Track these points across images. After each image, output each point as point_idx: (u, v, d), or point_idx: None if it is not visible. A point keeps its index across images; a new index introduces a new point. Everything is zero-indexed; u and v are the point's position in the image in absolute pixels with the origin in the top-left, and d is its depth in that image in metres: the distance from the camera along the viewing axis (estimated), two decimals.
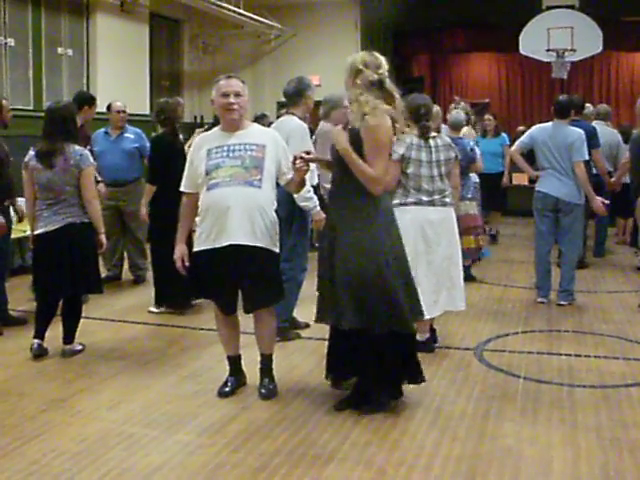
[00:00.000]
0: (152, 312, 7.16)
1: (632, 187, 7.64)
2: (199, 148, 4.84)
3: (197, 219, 4.84)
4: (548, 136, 7.41)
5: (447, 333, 6.34)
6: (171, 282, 6.80)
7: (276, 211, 5.92)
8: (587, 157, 7.50)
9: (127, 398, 4.96)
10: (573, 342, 6.28)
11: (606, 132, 9.52)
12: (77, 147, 5.67)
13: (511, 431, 4.40)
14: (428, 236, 5.61)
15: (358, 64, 4.47)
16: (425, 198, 5.60)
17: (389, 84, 4.49)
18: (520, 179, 13.60)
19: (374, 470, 3.90)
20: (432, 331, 5.98)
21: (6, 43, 10.09)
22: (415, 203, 5.58)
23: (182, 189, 4.94)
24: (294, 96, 6.07)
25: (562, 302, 7.48)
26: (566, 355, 5.87)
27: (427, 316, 5.63)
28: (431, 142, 5.64)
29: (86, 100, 7.54)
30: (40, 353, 5.74)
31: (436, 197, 5.63)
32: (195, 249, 4.82)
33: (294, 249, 6.03)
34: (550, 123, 7.61)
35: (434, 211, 5.63)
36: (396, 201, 5.54)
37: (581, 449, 4.15)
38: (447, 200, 5.71)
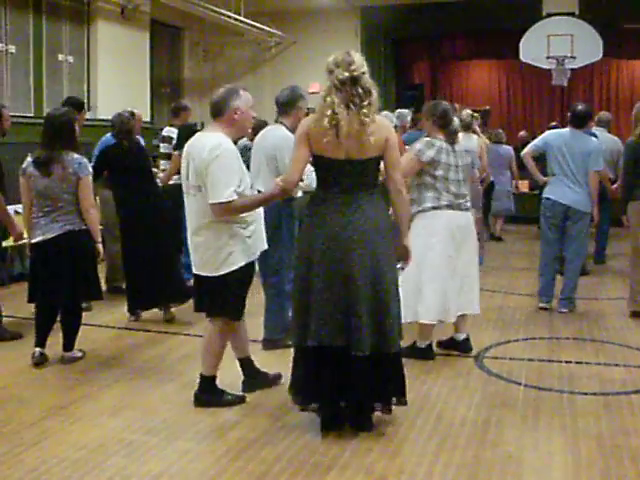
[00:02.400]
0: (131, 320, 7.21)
1: (622, 192, 7.60)
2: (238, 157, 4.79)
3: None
4: (564, 143, 7.39)
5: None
6: (146, 284, 7.00)
7: None
8: (602, 167, 7.54)
9: (127, 405, 4.95)
10: (574, 349, 6.27)
11: (607, 139, 9.53)
12: (76, 155, 5.66)
13: (512, 438, 4.39)
14: (457, 240, 5.67)
15: (330, 65, 4.29)
16: (455, 202, 5.65)
17: (365, 81, 4.24)
18: (522, 186, 13.65)
19: (375, 478, 3.89)
20: (467, 338, 6.05)
21: (7, 50, 10.10)
22: (448, 206, 5.62)
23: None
24: (285, 105, 5.98)
25: (563, 309, 7.48)
26: (567, 362, 5.86)
27: (449, 320, 5.82)
28: (455, 147, 5.70)
29: (75, 106, 7.53)
30: (41, 361, 5.74)
31: (462, 201, 5.70)
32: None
33: (281, 262, 5.97)
34: (567, 130, 7.61)
35: (462, 215, 5.71)
36: (428, 204, 5.60)
37: (582, 456, 4.15)
38: (468, 204, 5.81)
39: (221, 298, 4.75)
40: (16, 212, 8.93)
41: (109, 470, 3.98)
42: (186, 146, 4.83)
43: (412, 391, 5.13)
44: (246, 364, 5.16)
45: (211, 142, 4.57)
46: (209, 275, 4.71)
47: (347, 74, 4.19)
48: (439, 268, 5.60)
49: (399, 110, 9.40)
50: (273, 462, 4.05)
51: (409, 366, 5.63)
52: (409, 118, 9.32)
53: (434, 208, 5.61)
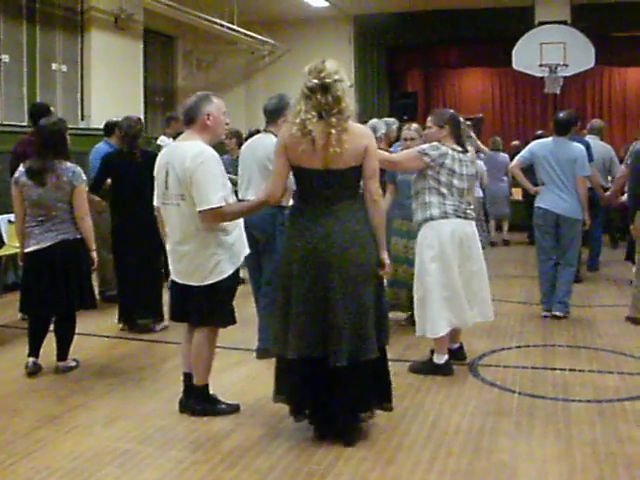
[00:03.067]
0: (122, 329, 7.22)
1: (630, 201, 7.63)
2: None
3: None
4: (549, 151, 7.44)
5: None
6: (132, 296, 7.02)
7: (252, 233, 5.97)
8: (589, 173, 7.57)
9: (121, 414, 4.94)
10: (568, 357, 6.28)
11: (599, 147, 9.57)
12: (69, 164, 5.66)
13: (506, 446, 4.39)
14: (464, 249, 5.63)
15: (304, 72, 4.20)
16: (460, 209, 5.61)
17: (337, 89, 4.11)
18: (515, 193, 13.73)
19: None
20: (460, 346, 6.04)
21: (1, 59, 10.09)
22: (455, 215, 5.58)
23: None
24: (273, 114, 5.96)
25: (558, 313, 7.50)
26: (561, 370, 5.87)
27: (467, 325, 5.81)
28: (462, 156, 5.64)
29: (42, 112, 7.52)
30: (35, 371, 5.72)
31: (467, 210, 5.67)
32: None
33: (274, 271, 5.96)
34: (550, 139, 7.66)
35: (467, 224, 5.68)
36: (436, 211, 5.56)
37: (576, 464, 4.14)
38: (473, 213, 5.79)
39: (211, 307, 4.73)
40: (9, 221, 8.96)
41: None
42: (161, 155, 4.80)
43: (406, 399, 5.17)
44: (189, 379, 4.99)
45: (192, 150, 4.53)
46: (197, 285, 4.69)
47: (316, 81, 4.11)
48: (451, 277, 5.53)
49: (385, 119, 8.59)
50: (267, 471, 4.05)
51: (403, 374, 5.68)
52: (394, 127, 8.29)
53: (441, 217, 5.54)
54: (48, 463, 4.17)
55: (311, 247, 4.23)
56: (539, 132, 12.40)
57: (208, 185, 4.47)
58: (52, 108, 7.79)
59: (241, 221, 4.84)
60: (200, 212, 4.49)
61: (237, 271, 4.85)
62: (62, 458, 4.23)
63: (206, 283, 4.67)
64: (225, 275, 4.68)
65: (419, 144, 6.35)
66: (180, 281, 4.79)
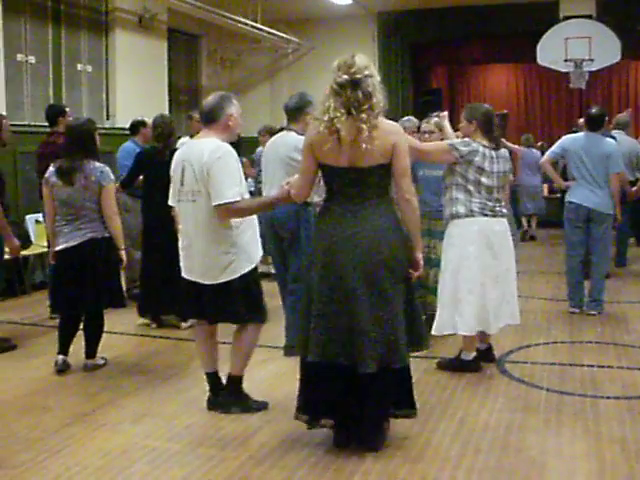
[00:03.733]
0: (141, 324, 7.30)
1: None
2: None
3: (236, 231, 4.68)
4: (581, 147, 7.40)
5: None
6: (158, 292, 7.01)
7: (277, 231, 5.96)
8: (623, 169, 7.53)
9: (150, 412, 4.98)
10: (596, 353, 6.24)
11: (625, 141, 9.49)
12: (98, 164, 5.70)
13: (534, 443, 4.37)
14: (494, 248, 5.53)
15: (333, 68, 4.08)
16: (488, 207, 5.54)
17: (367, 84, 4.00)
18: (544, 189, 13.71)
19: None
20: (489, 347, 5.96)
21: (27, 60, 10.17)
22: (481, 213, 5.50)
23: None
24: (294, 112, 5.99)
25: (592, 312, 7.47)
26: (589, 366, 5.83)
27: (491, 331, 5.72)
28: (494, 153, 5.56)
29: (57, 112, 7.57)
30: (64, 368, 5.78)
31: (497, 207, 5.58)
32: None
33: (300, 268, 5.96)
34: (582, 134, 7.63)
35: (497, 222, 5.58)
36: (461, 209, 5.51)
37: (606, 461, 4.12)
38: (504, 210, 5.68)
39: (230, 304, 4.71)
40: (37, 221, 9.07)
41: (132, 477, 4.00)
42: (179, 153, 4.80)
43: (434, 396, 5.17)
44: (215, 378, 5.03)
45: (209, 146, 4.54)
46: (210, 283, 4.67)
47: (346, 77, 4.00)
48: (477, 277, 5.47)
49: (408, 117, 8.53)
50: (296, 468, 4.06)
51: (431, 371, 5.67)
52: (408, 125, 8.26)
53: (467, 215, 5.49)
54: (78, 460, 4.21)
55: (334, 248, 4.12)
56: (575, 128, 12.34)
57: (224, 180, 4.46)
58: (67, 109, 7.82)
59: (255, 222, 4.81)
60: (216, 206, 4.48)
61: (254, 270, 4.79)
62: (91, 455, 4.27)
63: (220, 281, 4.64)
64: (239, 274, 4.64)
65: (437, 138, 6.33)
66: (194, 279, 4.75)
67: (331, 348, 4.08)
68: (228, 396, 4.88)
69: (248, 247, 4.69)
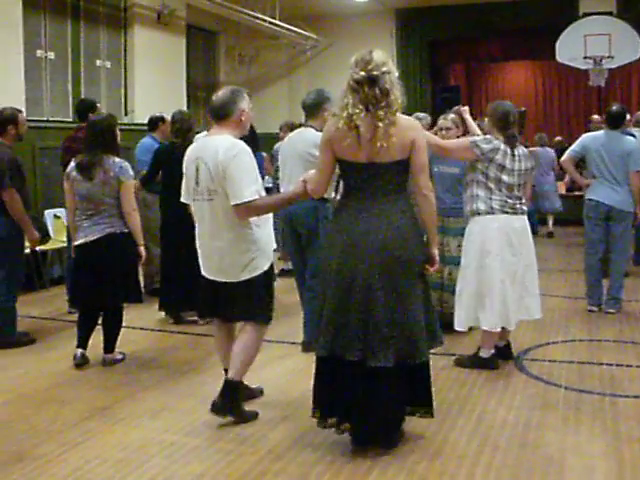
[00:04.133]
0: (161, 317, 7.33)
1: None
2: None
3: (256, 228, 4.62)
4: (601, 145, 7.38)
5: None
6: (177, 289, 7.02)
7: (295, 228, 5.96)
8: None
9: (168, 407, 4.99)
10: (614, 351, 6.21)
11: None
12: (117, 159, 5.73)
13: (553, 441, 4.36)
14: (514, 244, 5.53)
15: (351, 64, 4.03)
16: (508, 204, 5.53)
17: (386, 81, 3.96)
18: (559, 187, 13.64)
19: (416, 479, 3.89)
20: (507, 344, 5.94)
21: (46, 56, 10.22)
22: (502, 210, 5.49)
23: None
24: (312, 108, 5.99)
25: (610, 310, 7.44)
26: (607, 365, 5.81)
27: (511, 327, 5.70)
28: (515, 151, 5.55)
29: (88, 107, 7.60)
30: (82, 362, 5.81)
31: (517, 204, 5.57)
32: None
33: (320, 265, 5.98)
34: (602, 132, 7.58)
35: (517, 219, 5.57)
36: (482, 206, 5.51)
37: (625, 460, 4.10)
38: (525, 208, 5.67)
39: (248, 302, 4.63)
40: (55, 216, 9.11)
41: (151, 470, 4.02)
42: (191, 150, 4.73)
43: (452, 393, 5.16)
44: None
45: (224, 143, 4.46)
46: (232, 281, 4.60)
47: (363, 74, 3.95)
48: (497, 274, 5.46)
49: (416, 113, 8.54)
50: (314, 463, 4.06)
51: (449, 368, 5.66)
52: (424, 122, 7.96)
53: (487, 212, 5.49)
54: (97, 453, 4.23)
55: (350, 243, 4.08)
56: (590, 125, 12.28)
57: (242, 178, 4.39)
58: (98, 104, 7.85)
59: (270, 216, 4.76)
60: (234, 206, 4.40)
61: (271, 267, 4.76)
62: (111, 448, 4.30)
63: (241, 279, 4.58)
64: (260, 271, 4.60)
65: (454, 135, 6.33)
66: (212, 277, 4.69)
67: (341, 343, 4.04)
68: (224, 401, 4.65)
69: (266, 244, 4.66)
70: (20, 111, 6.71)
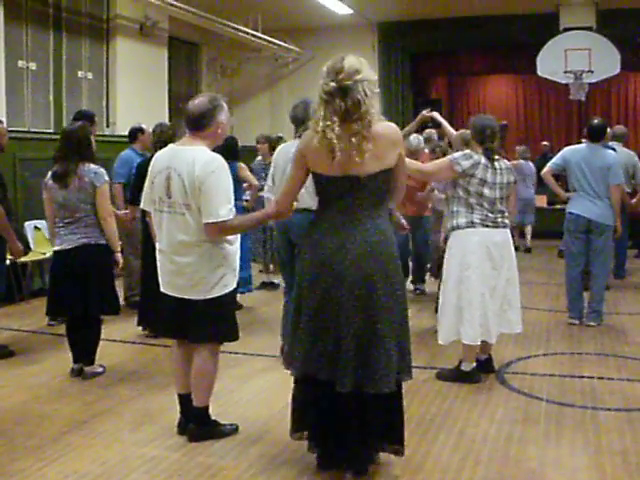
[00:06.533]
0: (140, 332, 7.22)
1: None
2: None
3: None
4: (582, 158, 7.42)
5: None
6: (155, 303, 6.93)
7: (287, 237, 5.94)
8: (623, 180, 7.55)
9: (148, 420, 4.95)
10: (595, 364, 6.22)
11: (623, 153, 9.48)
12: (92, 165, 5.74)
13: (535, 454, 4.36)
14: (494, 258, 5.54)
15: (322, 73, 3.84)
16: (489, 218, 5.54)
17: (357, 91, 3.71)
18: (539, 200, 13.70)
19: None
20: (489, 358, 5.93)
21: (28, 67, 10.16)
22: (482, 224, 5.51)
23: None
24: (305, 121, 5.99)
25: (591, 323, 7.47)
26: (589, 378, 5.82)
27: (492, 340, 5.69)
28: (496, 164, 5.56)
29: (87, 118, 7.58)
30: (78, 373, 5.86)
31: (499, 218, 5.58)
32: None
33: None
34: (583, 145, 7.65)
35: (497, 233, 5.57)
36: (462, 220, 5.53)
37: (607, 473, 4.10)
38: (507, 221, 5.67)
39: (216, 321, 4.47)
40: (36, 227, 9.05)
41: None
42: (160, 157, 4.49)
43: (433, 406, 5.16)
44: (188, 401, 4.67)
45: (201, 157, 4.26)
46: (199, 299, 4.41)
47: (333, 84, 3.74)
48: (477, 287, 5.47)
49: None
50: (296, 478, 4.04)
51: (430, 381, 5.66)
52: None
53: (467, 226, 5.50)
54: (76, 468, 4.19)
55: (323, 259, 3.88)
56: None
57: (218, 196, 4.21)
58: (95, 117, 7.88)
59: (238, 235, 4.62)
60: (208, 224, 4.23)
61: (237, 286, 4.65)
62: (90, 463, 4.25)
63: (209, 297, 4.40)
64: (230, 289, 4.48)
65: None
66: (177, 294, 4.48)
67: (313, 362, 3.88)
68: (198, 429, 4.57)
69: (235, 261, 4.51)
70: (1, 122, 6.67)
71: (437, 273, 7.08)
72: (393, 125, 3.96)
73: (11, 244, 6.38)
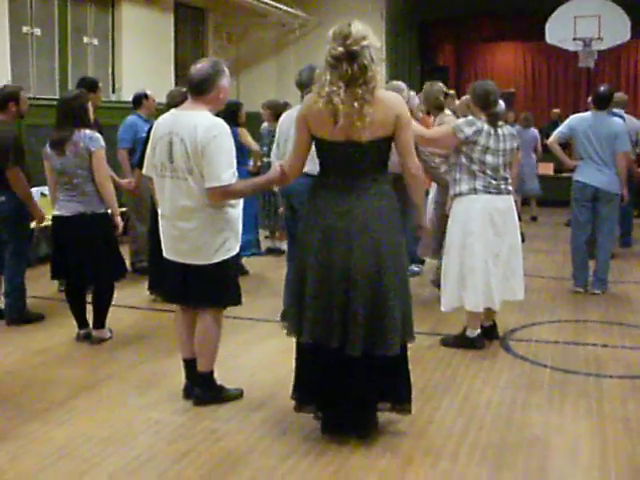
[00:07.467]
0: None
1: None
2: None
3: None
4: (588, 126, 7.38)
5: None
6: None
7: (290, 202, 5.93)
8: (629, 148, 7.51)
9: (153, 385, 4.99)
10: (600, 332, 6.24)
11: (628, 119, 9.42)
12: (88, 131, 5.75)
13: (538, 420, 4.39)
14: (497, 225, 5.52)
15: (328, 38, 3.84)
16: (492, 185, 5.51)
17: (364, 56, 3.76)
18: (546, 168, 13.59)
19: (401, 458, 3.90)
20: (493, 325, 5.93)
21: (32, 33, 10.12)
22: (485, 191, 5.49)
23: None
24: (310, 86, 5.97)
25: (596, 291, 7.48)
26: (593, 345, 5.84)
27: (495, 307, 5.70)
28: (499, 130, 5.53)
29: (89, 86, 7.54)
30: (85, 337, 5.92)
31: (502, 185, 5.56)
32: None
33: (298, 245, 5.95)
34: (589, 113, 7.59)
35: (501, 199, 5.56)
36: (465, 187, 5.51)
37: (608, 440, 4.13)
38: (510, 188, 5.65)
39: (220, 286, 4.48)
40: (42, 194, 9.05)
41: (137, 448, 4.02)
42: (161, 122, 4.45)
43: (438, 372, 5.19)
44: (193, 366, 4.70)
45: (203, 122, 4.23)
46: (203, 264, 4.41)
47: (341, 49, 3.76)
48: (480, 254, 5.46)
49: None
50: (300, 442, 4.07)
51: (435, 348, 5.68)
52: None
53: (470, 192, 5.49)
54: (83, 431, 4.23)
55: (330, 224, 3.91)
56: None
57: (220, 161, 4.19)
58: (100, 84, 7.87)
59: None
60: (210, 188, 4.22)
61: (241, 247, 4.67)
62: (96, 426, 4.29)
63: (213, 262, 4.40)
64: (233, 253, 4.48)
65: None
66: (180, 260, 4.47)
67: (322, 329, 3.92)
68: (203, 393, 4.61)
69: (238, 225, 4.51)
70: (21, 88, 6.68)
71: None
72: (395, 94, 4.04)
73: (32, 209, 6.45)
